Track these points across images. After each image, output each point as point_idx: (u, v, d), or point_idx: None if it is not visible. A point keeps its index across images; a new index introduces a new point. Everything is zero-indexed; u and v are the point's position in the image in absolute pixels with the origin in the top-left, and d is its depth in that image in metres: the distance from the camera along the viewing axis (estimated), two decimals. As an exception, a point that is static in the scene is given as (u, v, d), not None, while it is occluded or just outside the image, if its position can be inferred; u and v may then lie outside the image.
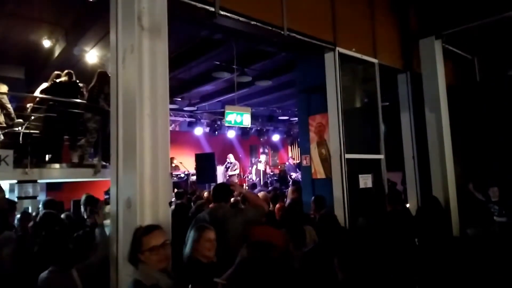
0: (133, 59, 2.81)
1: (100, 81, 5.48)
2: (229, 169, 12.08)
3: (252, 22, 3.90)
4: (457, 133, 6.01)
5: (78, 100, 5.68)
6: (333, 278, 2.12)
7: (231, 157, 12.30)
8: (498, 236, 3.16)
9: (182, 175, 10.94)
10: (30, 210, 4.69)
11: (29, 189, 4.34)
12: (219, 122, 12.15)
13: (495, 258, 2.59)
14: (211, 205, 3.42)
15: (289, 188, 6.53)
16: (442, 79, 5.83)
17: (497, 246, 2.75)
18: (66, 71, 5.89)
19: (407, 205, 5.70)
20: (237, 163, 12.47)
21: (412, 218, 4.05)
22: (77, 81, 5.88)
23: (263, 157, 14.81)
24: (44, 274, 2.60)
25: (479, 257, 2.66)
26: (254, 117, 9.09)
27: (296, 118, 10.39)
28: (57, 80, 5.73)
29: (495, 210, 5.54)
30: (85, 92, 5.88)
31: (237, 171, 12.31)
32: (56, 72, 5.93)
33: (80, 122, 5.45)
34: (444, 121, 5.71)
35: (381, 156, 5.25)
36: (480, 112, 6.86)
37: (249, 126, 6.46)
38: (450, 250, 2.76)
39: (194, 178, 10.63)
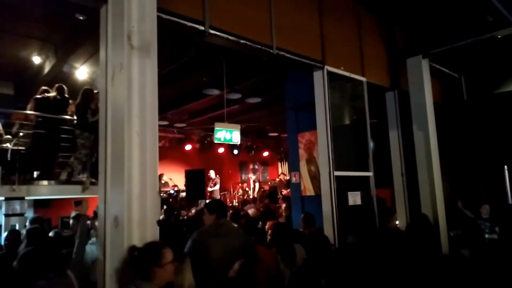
0: (122, 77, 2.84)
1: (85, 98, 5.49)
2: (207, 186, 11.98)
3: (242, 41, 3.98)
4: (445, 150, 6.11)
5: (67, 117, 5.66)
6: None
7: (211, 173, 12.28)
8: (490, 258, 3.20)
9: (172, 191, 10.88)
10: (17, 227, 4.60)
11: (17, 206, 4.28)
12: (208, 139, 12.16)
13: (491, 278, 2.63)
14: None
15: (283, 205, 6.54)
16: (430, 97, 5.96)
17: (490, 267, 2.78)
18: (56, 85, 5.88)
19: (397, 223, 5.73)
20: (218, 178, 12.44)
21: (402, 236, 4.08)
22: (67, 96, 5.88)
23: (252, 176, 14.85)
24: (42, 282, 2.59)
25: (474, 277, 2.69)
26: (244, 133, 9.16)
27: (286, 135, 10.48)
28: (46, 95, 5.72)
29: (486, 227, 5.61)
30: (72, 109, 5.87)
31: (217, 187, 12.26)
32: (43, 88, 5.91)
33: (69, 139, 5.43)
34: (432, 139, 5.82)
35: (370, 173, 5.30)
36: (467, 129, 7.01)
37: (238, 143, 6.48)
38: (441, 269, 2.79)
39: (183, 194, 10.58)
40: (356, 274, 2.02)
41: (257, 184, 14.19)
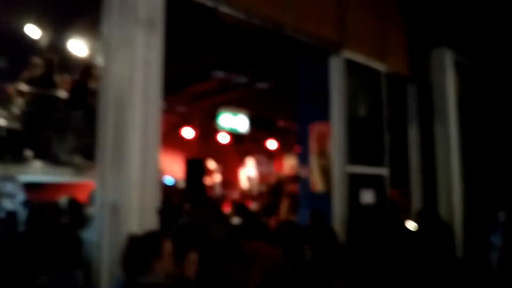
0: (126, 53, 2.86)
1: (84, 75, 5.50)
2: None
3: (254, 20, 3.96)
4: (468, 150, 6.11)
5: (61, 94, 5.69)
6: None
7: (211, 164, 12.30)
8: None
9: (170, 181, 10.94)
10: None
11: (7, 186, 4.33)
12: (211, 126, 12.15)
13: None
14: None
15: (285, 202, 6.55)
16: (453, 92, 5.94)
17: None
18: (45, 59, 5.87)
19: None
20: (218, 169, 12.47)
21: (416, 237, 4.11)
22: (55, 72, 5.88)
23: (250, 163, 14.76)
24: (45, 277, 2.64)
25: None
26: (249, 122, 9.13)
27: (296, 125, 10.43)
28: (36, 70, 5.74)
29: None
30: (68, 86, 5.89)
31: (218, 179, 12.28)
32: (34, 61, 5.91)
33: (63, 118, 5.47)
34: (453, 137, 5.81)
35: (385, 170, 5.31)
36: (491, 128, 6.99)
37: (246, 132, 6.46)
38: (455, 271, 2.82)
39: (182, 185, 10.64)
40: (369, 275, 2.04)
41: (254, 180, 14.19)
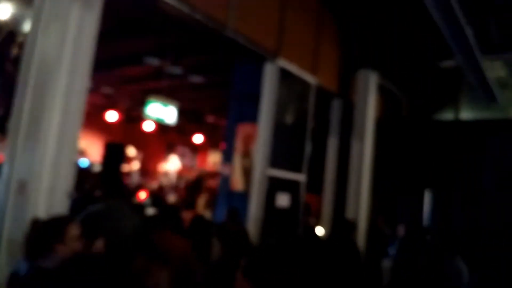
0: (57, 26, 2.73)
1: (6, 40, 5.09)
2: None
3: (197, 15, 3.96)
4: (378, 166, 6.67)
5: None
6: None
7: (131, 151, 12.01)
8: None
9: (85, 163, 10.44)
10: None
11: None
12: (136, 112, 11.78)
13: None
14: None
15: (203, 197, 6.60)
16: (372, 111, 6.45)
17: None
18: None
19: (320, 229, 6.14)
20: (138, 157, 12.22)
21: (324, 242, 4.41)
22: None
23: (174, 157, 14.63)
24: None
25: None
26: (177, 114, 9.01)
27: (224, 122, 10.51)
28: None
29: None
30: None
31: (136, 166, 12.03)
32: None
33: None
34: (367, 153, 6.31)
35: (303, 177, 5.60)
36: (399, 148, 7.68)
37: (174, 123, 6.40)
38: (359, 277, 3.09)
39: (97, 169, 10.21)
40: (281, 275, 2.17)
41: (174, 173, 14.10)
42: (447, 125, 7.64)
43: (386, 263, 4.96)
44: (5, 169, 2.70)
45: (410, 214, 7.28)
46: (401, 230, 6.47)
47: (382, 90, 7.22)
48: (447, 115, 7.79)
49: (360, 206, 6.14)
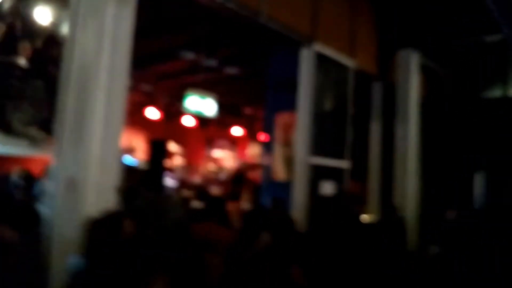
0: (94, 24, 2.76)
1: (47, 43, 5.26)
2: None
3: (229, 4, 3.91)
4: (424, 149, 6.40)
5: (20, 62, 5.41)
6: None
7: (172, 146, 12.16)
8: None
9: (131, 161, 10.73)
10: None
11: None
12: (175, 107, 11.95)
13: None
14: None
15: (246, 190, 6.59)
16: (415, 92, 6.17)
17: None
18: (6, 23, 5.56)
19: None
20: (179, 152, 12.38)
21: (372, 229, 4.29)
22: (17, 39, 5.59)
23: (220, 153, 14.78)
24: None
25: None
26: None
27: (262, 113, 10.46)
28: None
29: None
30: (27, 53, 5.60)
31: (178, 161, 12.17)
32: None
33: (20, 86, 5.21)
34: (412, 136, 6.06)
35: (346, 163, 5.46)
36: (449, 130, 7.35)
37: (214, 116, 6.41)
38: (405, 264, 2.98)
39: (142, 166, 10.46)
40: (327, 263, 2.12)
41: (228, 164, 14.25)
42: (495, 103, 7.23)
43: (433, 250, 4.75)
44: (55, 169, 2.77)
45: (460, 198, 6.97)
46: (451, 214, 6.21)
47: (424, 70, 6.91)
48: (495, 92, 7.36)
49: (408, 192, 5.91)
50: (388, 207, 5.58)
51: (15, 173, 3.79)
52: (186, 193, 7.05)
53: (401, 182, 5.95)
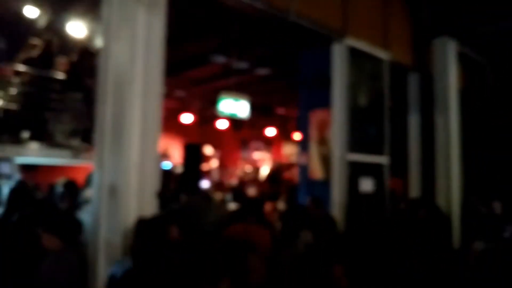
0: (126, 33, 2.81)
1: (82, 56, 5.45)
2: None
3: (257, 4, 3.89)
4: (466, 140, 6.12)
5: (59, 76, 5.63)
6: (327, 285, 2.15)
7: (208, 149, 12.27)
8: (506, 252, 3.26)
9: (168, 165, 10.94)
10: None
11: (5, 168, 4.29)
12: (209, 111, 12.08)
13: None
14: None
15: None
16: (454, 82, 5.92)
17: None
18: (43, 39, 5.80)
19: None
20: (216, 155, 12.46)
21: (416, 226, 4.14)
22: (54, 53, 5.81)
23: (255, 154, 14.81)
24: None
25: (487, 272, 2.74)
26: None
27: (294, 112, 10.39)
28: (32, 51, 5.68)
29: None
30: (64, 67, 5.83)
31: (214, 164, 12.25)
32: (31, 43, 5.85)
33: (60, 99, 5.42)
34: (453, 127, 5.81)
35: (385, 159, 5.30)
36: (491, 120, 7.00)
37: (246, 117, 6.44)
38: (450, 262, 2.85)
39: (179, 170, 10.64)
40: (371, 261, 2.05)
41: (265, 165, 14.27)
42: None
43: (478, 245, 4.48)
44: (96, 176, 2.84)
45: (505, 191, 6.62)
46: (497, 207, 5.91)
47: (463, 58, 6.62)
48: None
49: (452, 186, 5.66)
50: (431, 204, 5.37)
51: (59, 183, 3.93)
52: (221, 195, 7.08)
53: (444, 177, 5.71)
